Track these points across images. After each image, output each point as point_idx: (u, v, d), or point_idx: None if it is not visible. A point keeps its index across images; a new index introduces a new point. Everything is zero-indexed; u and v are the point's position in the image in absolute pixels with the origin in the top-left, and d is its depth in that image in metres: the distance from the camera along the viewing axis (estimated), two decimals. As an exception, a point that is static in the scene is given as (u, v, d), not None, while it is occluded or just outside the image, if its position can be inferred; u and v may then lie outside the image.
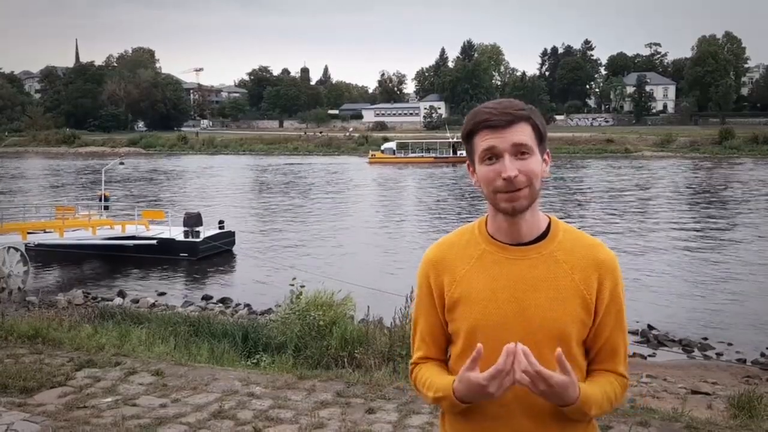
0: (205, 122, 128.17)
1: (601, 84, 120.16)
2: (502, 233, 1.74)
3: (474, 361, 1.58)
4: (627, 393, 1.83)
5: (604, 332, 1.74)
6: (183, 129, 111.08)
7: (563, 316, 1.68)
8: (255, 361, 7.26)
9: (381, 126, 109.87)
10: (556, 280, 1.69)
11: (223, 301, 16.73)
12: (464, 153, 1.78)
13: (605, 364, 1.76)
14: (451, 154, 64.28)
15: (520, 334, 1.63)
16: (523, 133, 1.66)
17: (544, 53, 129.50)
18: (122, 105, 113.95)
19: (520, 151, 1.65)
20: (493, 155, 1.66)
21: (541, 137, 1.71)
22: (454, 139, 66.29)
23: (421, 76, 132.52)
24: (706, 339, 13.37)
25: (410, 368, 1.90)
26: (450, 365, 1.83)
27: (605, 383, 1.73)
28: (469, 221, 1.88)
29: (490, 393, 1.57)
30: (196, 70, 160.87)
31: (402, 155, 67.28)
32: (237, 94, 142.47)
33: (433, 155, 66.50)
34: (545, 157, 1.73)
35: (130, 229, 22.35)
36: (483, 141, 1.67)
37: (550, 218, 1.78)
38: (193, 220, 22.18)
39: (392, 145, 69.73)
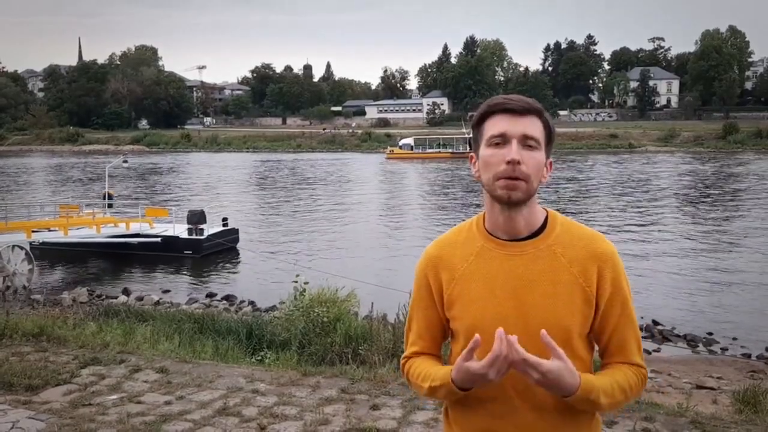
0: (208, 120, 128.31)
1: (605, 79, 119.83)
2: (499, 228, 1.73)
3: (471, 351, 1.58)
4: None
5: (609, 324, 1.72)
6: (186, 127, 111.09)
7: (563, 310, 1.66)
8: (259, 357, 7.27)
9: (384, 122, 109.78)
10: (554, 274, 1.68)
11: (227, 298, 16.74)
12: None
13: (617, 356, 1.74)
14: (467, 150, 64.35)
15: (520, 330, 1.62)
16: (534, 126, 1.67)
17: (547, 48, 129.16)
18: (125, 103, 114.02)
19: (528, 143, 1.65)
20: (501, 140, 1.66)
21: (549, 137, 1.71)
22: (470, 135, 66.69)
23: (423, 72, 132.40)
24: (711, 334, 13.33)
25: (401, 362, 1.89)
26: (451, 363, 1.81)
27: (616, 373, 1.70)
28: None
29: (489, 379, 1.57)
30: (199, 68, 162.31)
31: (419, 151, 67.80)
32: (240, 92, 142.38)
33: (450, 151, 66.98)
34: (548, 163, 1.72)
35: (134, 227, 22.37)
36: (495, 125, 1.68)
37: (547, 212, 1.77)
38: (196, 218, 22.21)
39: (410, 141, 71.02)
